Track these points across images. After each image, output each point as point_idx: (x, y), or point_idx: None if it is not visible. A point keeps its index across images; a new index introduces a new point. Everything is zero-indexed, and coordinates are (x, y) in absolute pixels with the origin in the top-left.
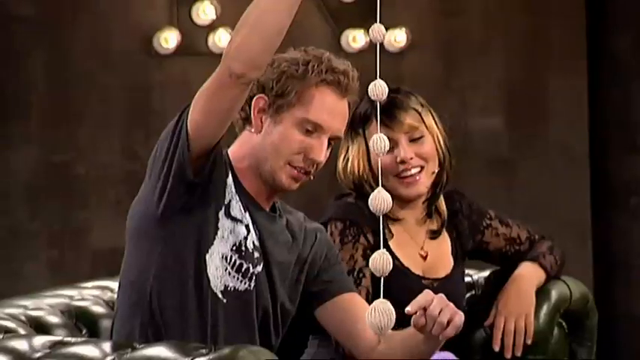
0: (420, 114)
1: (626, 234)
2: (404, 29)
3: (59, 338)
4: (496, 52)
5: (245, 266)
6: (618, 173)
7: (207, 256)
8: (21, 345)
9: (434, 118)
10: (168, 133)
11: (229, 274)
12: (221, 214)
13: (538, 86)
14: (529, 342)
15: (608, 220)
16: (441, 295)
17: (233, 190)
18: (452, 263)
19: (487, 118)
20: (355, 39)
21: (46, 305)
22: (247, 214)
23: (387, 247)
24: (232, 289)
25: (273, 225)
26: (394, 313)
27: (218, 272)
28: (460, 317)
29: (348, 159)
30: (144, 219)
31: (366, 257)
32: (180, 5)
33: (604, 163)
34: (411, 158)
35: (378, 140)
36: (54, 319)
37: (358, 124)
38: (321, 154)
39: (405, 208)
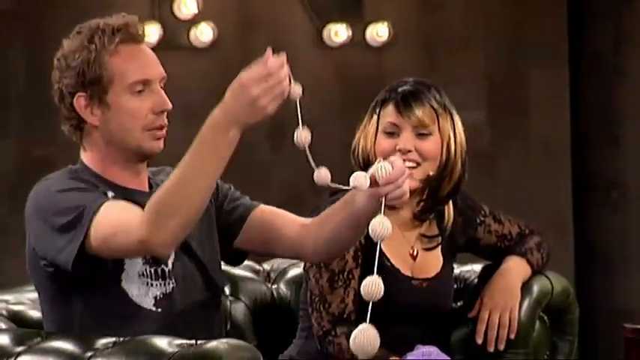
0: (436, 112)
1: (607, 228)
2: (386, 24)
3: (40, 332)
4: (477, 46)
5: (160, 268)
6: (599, 167)
7: (123, 284)
8: (2, 339)
9: (453, 125)
10: (55, 227)
11: (152, 285)
12: None
13: (519, 80)
14: (512, 336)
15: (589, 214)
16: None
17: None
18: (441, 262)
19: (468, 113)
20: (337, 33)
21: (27, 300)
22: None
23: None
24: (161, 295)
25: None
26: (378, 338)
27: (141, 291)
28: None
29: (360, 137)
30: (50, 280)
31: (357, 259)
32: None
33: (585, 156)
34: (410, 151)
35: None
36: (35, 314)
37: (375, 108)
38: (167, 101)
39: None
